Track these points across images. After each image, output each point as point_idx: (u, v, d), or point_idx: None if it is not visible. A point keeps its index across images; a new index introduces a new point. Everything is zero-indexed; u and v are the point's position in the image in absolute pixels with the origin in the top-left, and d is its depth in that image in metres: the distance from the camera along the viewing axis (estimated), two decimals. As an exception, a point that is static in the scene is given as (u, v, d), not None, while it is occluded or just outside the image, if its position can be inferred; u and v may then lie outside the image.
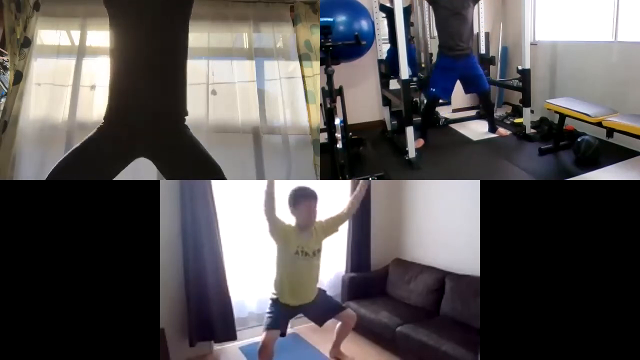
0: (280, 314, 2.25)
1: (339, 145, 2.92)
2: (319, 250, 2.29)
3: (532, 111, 3.95)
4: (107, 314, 1.50)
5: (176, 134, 1.95)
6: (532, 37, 4.23)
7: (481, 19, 4.29)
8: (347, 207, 2.38)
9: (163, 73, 1.90)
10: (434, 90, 3.70)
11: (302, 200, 2.21)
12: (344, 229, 3.22)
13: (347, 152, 3.04)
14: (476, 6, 4.12)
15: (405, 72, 3.24)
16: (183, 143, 1.96)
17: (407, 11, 3.77)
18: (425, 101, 3.92)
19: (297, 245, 2.21)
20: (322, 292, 2.41)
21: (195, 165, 1.97)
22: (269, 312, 2.27)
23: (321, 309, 2.37)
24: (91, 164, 1.86)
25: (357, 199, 2.38)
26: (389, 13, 3.64)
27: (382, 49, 4.03)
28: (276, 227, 2.18)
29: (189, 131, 1.98)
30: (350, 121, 3.20)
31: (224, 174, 2.01)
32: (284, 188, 2.27)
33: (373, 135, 4.23)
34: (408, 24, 3.85)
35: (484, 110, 4.23)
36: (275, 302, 2.28)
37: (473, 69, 3.69)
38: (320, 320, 2.39)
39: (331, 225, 2.34)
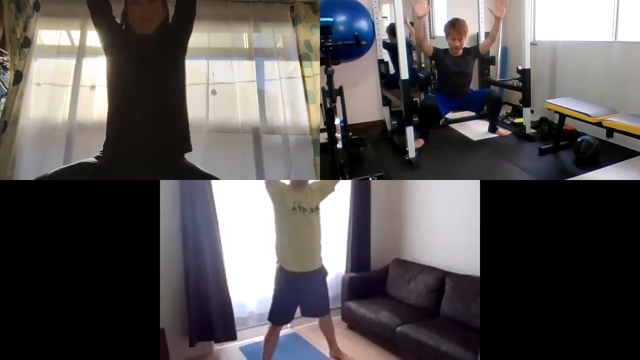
0: (287, 294, 2.26)
1: (339, 145, 2.92)
2: (317, 208, 2.31)
3: (532, 111, 3.95)
4: (107, 314, 1.50)
5: (173, 169, 1.98)
6: (532, 37, 4.22)
7: (481, 19, 4.28)
8: None
9: (162, 112, 1.93)
10: (433, 95, 3.75)
11: None
12: (344, 229, 3.22)
13: (347, 152, 3.03)
14: (476, 5, 4.13)
15: (405, 72, 3.24)
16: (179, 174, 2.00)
17: (409, 45, 3.83)
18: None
19: (294, 201, 2.23)
20: (323, 273, 2.40)
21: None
22: (274, 297, 2.29)
23: (313, 298, 2.37)
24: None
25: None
26: (392, 50, 3.71)
27: (382, 49, 4.03)
28: (271, 183, 2.23)
29: (186, 162, 2.01)
30: (350, 121, 3.20)
31: (224, 174, 2.02)
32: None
33: (373, 135, 4.23)
34: (410, 55, 3.89)
35: (489, 112, 4.17)
36: (279, 272, 2.29)
37: (472, 97, 3.84)
38: (306, 313, 2.42)
39: (326, 185, 2.37)
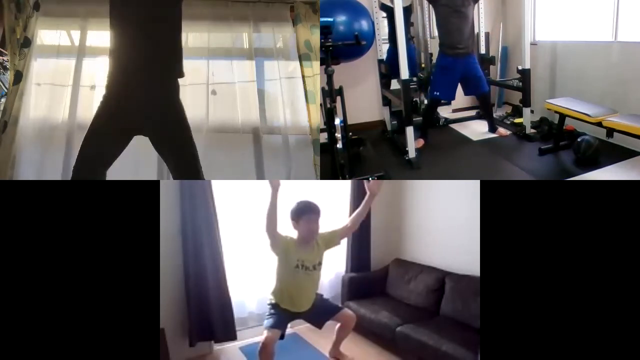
0: (280, 316, 2.27)
1: (339, 145, 2.92)
2: (320, 264, 2.31)
3: (532, 111, 3.95)
4: (107, 314, 1.50)
5: (168, 98, 2.04)
6: (532, 37, 4.23)
7: (481, 19, 4.28)
8: (351, 221, 2.38)
9: (158, 39, 2.01)
10: (437, 93, 3.69)
11: (304, 215, 2.23)
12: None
13: (347, 152, 3.04)
14: (476, 6, 4.12)
15: (405, 72, 3.24)
16: (173, 115, 2.05)
17: (408, 10, 3.77)
18: (425, 101, 3.92)
19: (298, 259, 2.22)
20: (319, 296, 2.42)
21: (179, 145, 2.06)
22: (269, 314, 2.29)
23: (319, 313, 2.39)
24: (101, 140, 2.00)
25: (361, 215, 2.37)
26: (389, 12, 3.64)
27: (382, 49, 4.03)
28: (277, 242, 2.20)
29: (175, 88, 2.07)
30: (350, 121, 3.20)
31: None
32: (287, 189, 2.27)
33: (373, 135, 4.23)
34: (408, 23, 3.85)
35: (483, 112, 4.24)
36: (274, 306, 2.30)
37: (473, 69, 3.67)
38: (319, 324, 2.41)
39: (333, 238, 2.35)
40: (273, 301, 2.31)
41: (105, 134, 2.00)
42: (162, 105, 2.02)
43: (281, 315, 2.27)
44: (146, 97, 1.98)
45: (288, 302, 2.28)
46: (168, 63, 2.04)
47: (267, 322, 2.24)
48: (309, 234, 2.24)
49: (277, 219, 2.15)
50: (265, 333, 2.17)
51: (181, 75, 2.09)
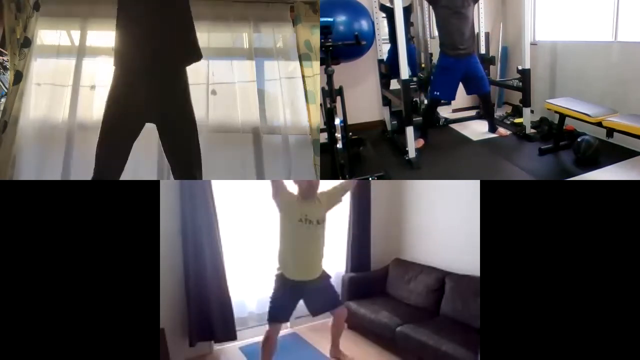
0: (285, 296, 2.26)
1: (339, 145, 2.92)
2: (324, 220, 2.30)
3: (532, 111, 3.95)
4: (107, 314, 1.50)
5: (174, 74, 2.03)
6: (532, 37, 4.23)
7: (481, 19, 4.28)
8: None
9: (167, 15, 2.00)
10: (437, 93, 3.69)
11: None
12: (344, 229, 3.22)
13: (347, 152, 3.04)
14: (476, 6, 4.12)
15: (405, 72, 3.24)
16: (178, 87, 2.04)
17: (407, 11, 3.76)
18: (425, 101, 3.92)
19: (301, 213, 2.23)
20: (327, 276, 2.40)
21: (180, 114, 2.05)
22: (272, 297, 2.28)
23: (321, 296, 2.37)
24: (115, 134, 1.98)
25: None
26: (389, 13, 3.64)
27: (382, 49, 4.03)
28: (279, 191, 2.22)
29: (186, 77, 2.07)
30: (350, 121, 3.20)
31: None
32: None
33: (373, 135, 4.23)
34: (408, 23, 3.85)
35: (484, 112, 4.23)
36: (279, 279, 2.28)
37: (475, 69, 3.67)
38: (315, 310, 2.40)
39: (334, 194, 2.37)
40: (278, 271, 2.30)
41: (118, 126, 1.99)
42: (172, 94, 2.02)
43: (285, 291, 2.26)
44: (155, 86, 1.98)
45: (293, 265, 2.27)
46: (178, 52, 2.04)
47: (270, 312, 2.24)
48: (308, 187, 2.26)
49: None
50: (267, 326, 2.19)
51: (198, 57, 2.09)
